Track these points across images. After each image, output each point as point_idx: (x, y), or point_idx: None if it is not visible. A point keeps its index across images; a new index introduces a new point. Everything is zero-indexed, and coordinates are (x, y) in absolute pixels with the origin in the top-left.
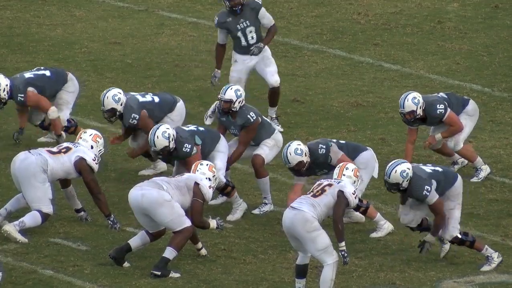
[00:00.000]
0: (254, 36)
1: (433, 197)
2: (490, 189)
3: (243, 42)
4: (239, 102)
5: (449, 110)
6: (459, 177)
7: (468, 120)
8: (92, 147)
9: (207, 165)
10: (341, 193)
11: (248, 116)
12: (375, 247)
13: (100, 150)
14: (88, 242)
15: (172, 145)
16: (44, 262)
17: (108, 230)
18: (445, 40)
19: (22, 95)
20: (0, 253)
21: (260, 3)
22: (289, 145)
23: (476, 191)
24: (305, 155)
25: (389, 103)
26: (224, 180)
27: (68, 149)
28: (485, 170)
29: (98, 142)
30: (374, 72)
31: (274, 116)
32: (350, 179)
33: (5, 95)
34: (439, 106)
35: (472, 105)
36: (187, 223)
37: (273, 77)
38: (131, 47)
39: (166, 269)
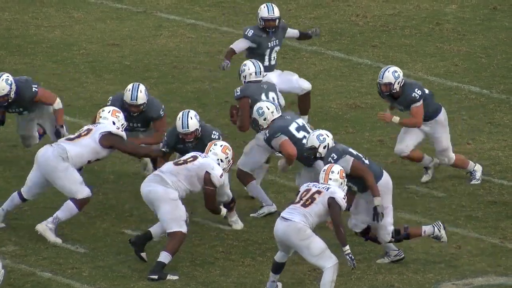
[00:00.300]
0: (275, 56)
1: (341, 164)
2: (488, 191)
3: (266, 62)
4: (243, 77)
5: (421, 101)
6: (385, 177)
7: (443, 131)
8: (114, 123)
9: (221, 146)
10: (332, 200)
11: (235, 90)
12: (373, 249)
13: (122, 124)
14: (86, 245)
15: (199, 130)
16: (42, 265)
17: (106, 233)
18: (444, 42)
19: (36, 85)
20: None
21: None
22: (266, 101)
23: (475, 193)
24: (264, 120)
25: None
26: (231, 196)
27: (89, 130)
28: (479, 170)
29: (119, 116)
30: (373, 73)
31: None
32: (336, 182)
33: (13, 94)
34: (417, 91)
35: (443, 114)
36: (183, 228)
37: (304, 82)
38: (129, 49)
39: (163, 273)
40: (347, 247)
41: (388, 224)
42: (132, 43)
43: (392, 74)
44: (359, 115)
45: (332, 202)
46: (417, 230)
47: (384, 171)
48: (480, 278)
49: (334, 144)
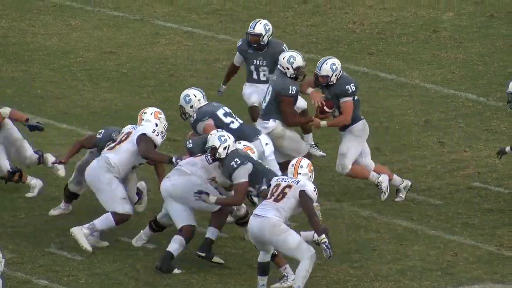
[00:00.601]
0: (267, 74)
1: (239, 176)
2: (485, 198)
3: (254, 76)
4: (191, 107)
5: (351, 99)
6: None
7: (351, 139)
8: (156, 125)
9: (244, 145)
10: (303, 193)
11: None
12: (370, 256)
13: (164, 125)
14: (83, 253)
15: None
16: (39, 272)
17: (103, 240)
18: (440, 49)
19: None
20: None
21: (286, 49)
22: (193, 88)
23: (471, 200)
24: (190, 107)
25: (384, 113)
26: (245, 207)
27: (128, 134)
28: (384, 181)
29: (161, 118)
30: (369, 81)
31: (313, 143)
32: (306, 176)
33: None
34: (352, 86)
35: (360, 126)
36: None
37: (300, 100)
38: (126, 57)
39: (211, 252)
40: (323, 235)
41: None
42: (129, 51)
43: (330, 67)
44: None
45: (303, 195)
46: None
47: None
48: (477, 285)
49: (235, 148)
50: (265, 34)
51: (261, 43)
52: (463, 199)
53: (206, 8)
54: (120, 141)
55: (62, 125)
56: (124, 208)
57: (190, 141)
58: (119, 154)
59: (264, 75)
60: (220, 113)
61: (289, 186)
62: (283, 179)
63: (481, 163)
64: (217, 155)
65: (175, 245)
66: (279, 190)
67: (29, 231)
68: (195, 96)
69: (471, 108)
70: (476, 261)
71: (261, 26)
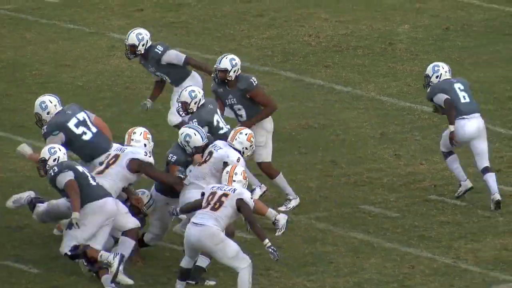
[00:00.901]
0: (164, 76)
1: (61, 181)
2: (442, 211)
3: (164, 80)
4: (234, 71)
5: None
6: (105, 202)
7: None
8: (145, 145)
9: (246, 134)
10: (241, 201)
11: (250, 80)
12: (326, 269)
13: (151, 145)
14: (39, 265)
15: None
16: None
17: (60, 254)
18: (396, 61)
19: None
20: None
21: (160, 51)
22: (49, 95)
23: (428, 213)
24: (47, 114)
25: (340, 125)
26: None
27: (116, 157)
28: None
29: (149, 138)
30: (325, 94)
31: None
32: (240, 183)
33: None
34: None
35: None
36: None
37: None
38: (82, 69)
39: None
40: (267, 240)
41: (77, 237)
42: (85, 64)
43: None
44: (312, 136)
45: (241, 203)
46: (95, 253)
47: (111, 199)
48: None
49: (63, 160)
50: (139, 43)
51: (137, 52)
52: (419, 211)
53: (162, 21)
54: (109, 164)
55: (17, 138)
56: (135, 222)
57: (171, 154)
58: (108, 179)
59: (164, 78)
60: (71, 123)
61: (225, 195)
62: (218, 187)
63: (438, 176)
64: (47, 167)
65: (205, 261)
66: (215, 199)
67: None
68: (51, 102)
69: (427, 121)
70: (433, 274)
71: (133, 36)
